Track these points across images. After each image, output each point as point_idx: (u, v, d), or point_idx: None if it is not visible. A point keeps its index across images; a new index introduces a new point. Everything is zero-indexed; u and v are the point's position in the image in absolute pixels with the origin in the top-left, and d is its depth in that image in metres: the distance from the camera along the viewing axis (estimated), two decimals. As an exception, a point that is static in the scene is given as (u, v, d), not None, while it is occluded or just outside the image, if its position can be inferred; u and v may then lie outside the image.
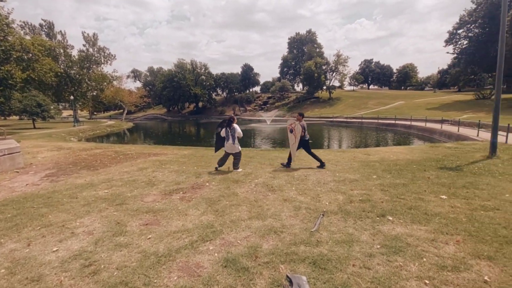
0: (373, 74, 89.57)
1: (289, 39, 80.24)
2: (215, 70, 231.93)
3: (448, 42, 43.12)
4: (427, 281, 2.33)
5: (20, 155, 8.34)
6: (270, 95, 72.57)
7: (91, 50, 47.77)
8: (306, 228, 3.43)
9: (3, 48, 21.87)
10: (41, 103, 27.17)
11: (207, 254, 2.86)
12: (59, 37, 47.07)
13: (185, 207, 4.26)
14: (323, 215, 3.80)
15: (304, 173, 6.31)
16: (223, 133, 6.67)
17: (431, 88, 76.92)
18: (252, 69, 79.58)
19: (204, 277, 2.46)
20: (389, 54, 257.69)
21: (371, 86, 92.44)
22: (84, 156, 9.80)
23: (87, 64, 46.56)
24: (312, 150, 7.20)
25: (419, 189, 4.87)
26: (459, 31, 41.55)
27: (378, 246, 2.92)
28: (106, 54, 49.28)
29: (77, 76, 44.36)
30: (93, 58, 47.56)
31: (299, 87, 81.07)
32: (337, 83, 63.22)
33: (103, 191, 5.25)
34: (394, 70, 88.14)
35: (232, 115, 7.22)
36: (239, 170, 6.67)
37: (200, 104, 78.63)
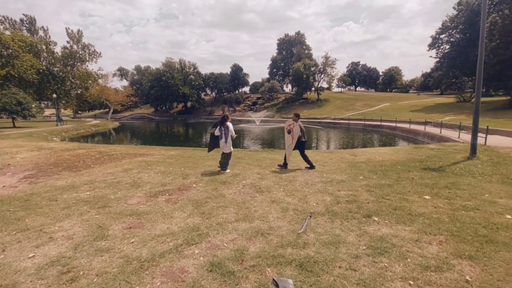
0: (360, 76, 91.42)
1: (278, 40, 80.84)
2: (204, 69, 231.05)
3: (431, 46, 44.53)
4: (411, 282, 2.36)
5: (-3, 155, 7.95)
6: (259, 96, 72.66)
7: (75, 47, 46.31)
8: (293, 229, 3.42)
9: (-20, 43, 20.89)
10: (21, 101, 26.03)
11: (192, 258, 2.80)
12: (41, 33, 45.43)
13: (171, 210, 4.17)
14: (310, 216, 3.80)
15: (292, 174, 6.33)
16: (217, 132, 6.61)
17: (415, 91, 79.12)
18: (241, 69, 79.48)
19: (188, 282, 2.40)
20: (375, 57, 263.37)
21: (358, 88, 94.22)
22: (66, 157, 9.45)
23: (71, 62, 45.11)
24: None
25: (403, 190, 4.97)
26: (442, 36, 42.98)
27: (364, 247, 2.94)
28: (91, 51, 47.92)
29: (60, 73, 42.89)
30: (78, 55, 46.09)
31: (288, 88, 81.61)
32: (325, 85, 64.11)
33: (85, 193, 5.06)
34: (380, 73, 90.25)
35: (227, 113, 7.16)
36: (227, 171, 6.61)
37: (189, 104, 77.82)
